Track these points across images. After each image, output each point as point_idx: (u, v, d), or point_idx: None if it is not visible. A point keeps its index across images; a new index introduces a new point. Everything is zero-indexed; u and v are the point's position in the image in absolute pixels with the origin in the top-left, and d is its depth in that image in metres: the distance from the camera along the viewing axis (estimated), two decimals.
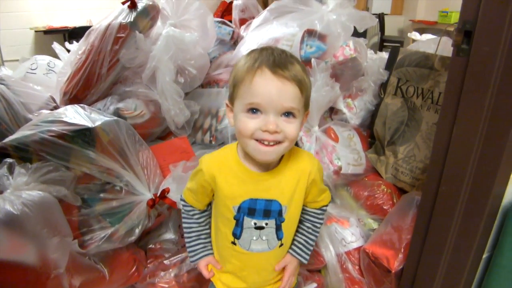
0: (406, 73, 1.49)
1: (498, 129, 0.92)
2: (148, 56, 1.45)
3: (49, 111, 1.51)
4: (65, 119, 1.14)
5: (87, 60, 1.47)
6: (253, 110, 0.75)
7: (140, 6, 1.55)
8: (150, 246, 1.29)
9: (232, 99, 0.81)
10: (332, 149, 1.47)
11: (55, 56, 2.36)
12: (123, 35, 1.48)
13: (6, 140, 1.14)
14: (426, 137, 1.43)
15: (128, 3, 1.55)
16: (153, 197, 1.20)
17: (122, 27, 1.49)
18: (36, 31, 4.42)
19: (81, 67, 1.47)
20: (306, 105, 0.81)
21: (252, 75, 0.74)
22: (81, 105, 1.26)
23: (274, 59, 0.75)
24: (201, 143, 1.54)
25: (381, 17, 5.45)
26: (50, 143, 1.10)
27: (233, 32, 1.93)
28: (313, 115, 1.45)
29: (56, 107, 1.62)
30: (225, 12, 5.04)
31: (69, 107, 1.23)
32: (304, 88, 0.77)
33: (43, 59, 2.02)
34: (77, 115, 1.17)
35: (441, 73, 1.40)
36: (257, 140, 0.76)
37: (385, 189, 1.46)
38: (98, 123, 1.13)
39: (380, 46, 5.48)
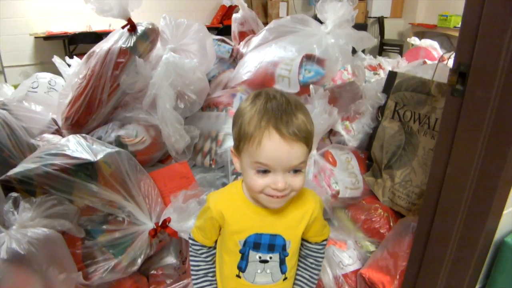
0: (403, 97, 1.51)
1: (491, 167, 0.95)
2: (148, 81, 1.48)
3: (51, 137, 1.54)
4: (67, 152, 1.17)
5: (88, 85, 1.49)
6: (262, 170, 0.77)
7: (139, 29, 1.58)
8: (152, 272, 1.32)
9: (238, 150, 0.82)
10: (330, 173, 1.50)
11: (56, 71, 2.39)
12: (123, 60, 1.50)
13: (11, 173, 1.16)
14: (422, 162, 1.45)
15: (128, 26, 1.57)
16: (155, 227, 1.22)
17: (122, 52, 1.51)
18: (35, 37, 4.42)
19: (82, 92, 1.49)
20: (310, 149, 0.83)
21: (260, 136, 0.74)
22: (83, 135, 1.28)
23: (280, 116, 0.75)
24: (201, 166, 1.57)
25: (380, 20, 5.46)
26: (53, 177, 1.13)
27: (232, 50, 1.95)
28: None
29: (58, 130, 1.65)
30: (224, 16, 5.05)
31: (71, 137, 1.25)
32: (310, 140, 0.79)
33: (44, 77, 2.04)
34: (79, 147, 1.19)
35: (438, 99, 1.43)
36: (266, 194, 0.80)
37: (382, 213, 1.48)
38: (100, 156, 1.16)
39: (380, 50, 5.49)
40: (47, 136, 1.54)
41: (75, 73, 1.70)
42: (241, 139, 0.78)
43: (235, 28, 2.48)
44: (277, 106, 0.77)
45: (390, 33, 5.68)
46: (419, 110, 1.47)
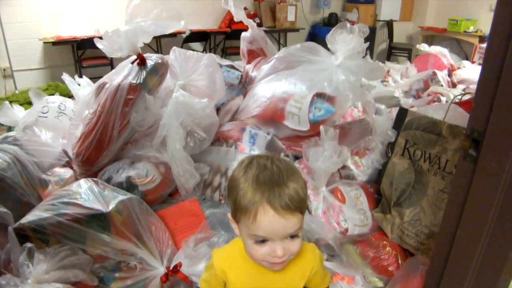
0: (414, 136, 1.49)
1: (503, 232, 0.93)
2: (158, 117, 1.48)
3: (62, 172, 1.55)
4: (79, 201, 1.17)
5: (98, 122, 1.49)
6: (260, 240, 0.80)
7: (149, 64, 1.57)
8: None
9: (235, 218, 0.84)
10: (339, 210, 1.50)
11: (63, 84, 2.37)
12: (133, 97, 1.50)
13: (24, 220, 1.18)
14: (432, 202, 1.44)
15: (137, 60, 1.57)
16: (166, 271, 1.24)
17: (132, 88, 1.51)
18: (44, 42, 4.42)
19: (93, 129, 1.49)
20: (305, 212, 0.84)
21: (255, 211, 0.76)
22: (95, 179, 1.29)
23: (273, 188, 0.77)
24: (210, 200, 1.57)
25: (389, 23, 5.37)
26: (66, 227, 1.14)
27: (241, 76, 1.93)
28: (321, 178, 1.47)
29: (68, 162, 1.66)
30: (232, 20, 5.00)
31: (83, 182, 1.26)
32: (304, 206, 0.81)
33: (54, 102, 2.04)
34: (91, 195, 1.20)
35: (449, 141, 1.41)
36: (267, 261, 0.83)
37: (391, 251, 1.48)
38: (111, 206, 1.17)
39: (388, 54, 5.42)
40: (58, 170, 1.55)
41: (85, 103, 1.70)
42: (237, 211, 0.81)
43: (243, 46, 2.46)
44: (269, 177, 0.79)
45: (399, 36, 5.59)
46: (430, 149, 1.46)
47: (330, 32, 1.69)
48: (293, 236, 0.81)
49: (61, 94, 4.29)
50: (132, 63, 1.56)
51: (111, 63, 4.53)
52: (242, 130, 1.59)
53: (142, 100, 1.52)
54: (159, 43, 4.74)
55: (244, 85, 1.97)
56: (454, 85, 3.56)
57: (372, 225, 1.56)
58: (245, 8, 5.11)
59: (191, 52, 1.64)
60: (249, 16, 5.12)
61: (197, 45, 4.95)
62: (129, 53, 1.51)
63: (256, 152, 1.54)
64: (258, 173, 0.80)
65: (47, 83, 4.42)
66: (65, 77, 2.55)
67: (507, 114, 0.86)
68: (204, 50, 4.93)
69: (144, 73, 1.55)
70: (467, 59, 5.17)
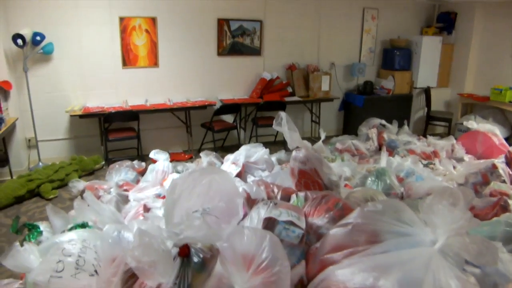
0: None
1: None
2: None
3: None
4: None
5: None
6: None
7: (195, 259, 1.11)
8: None
9: None
10: None
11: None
12: None
13: None
14: None
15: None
16: None
17: None
18: (71, 115, 4.09)
19: None
20: None
21: None
22: None
23: None
24: None
25: (427, 91, 4.89)
26: None
27: (303, 235, 1.46)
28: None
29: None
30: (264, 89, 4.63)
31: None
32: None
33: (71, 254, 1.58)
34: None
35: None
36: None
37: None
38: None
39: (426, 123, 4.91)
40: None
41: None
42: None
43: (294, 166, 2.02)
44: None
45: (437, 103, 5.08)
46: None
47: (427, 201, 1.25)
48: None
49: (84, 170, 3.93)
50: (174, 258, 1.11)
51: (138, 136, 4.18)
52: None
53: None
54: (188, 114, 4.36)
55: (306, 241, 1.50)
56: None
57: None
58: (277, 77, 4.74)
59: (248, 232, 1.19)
60: (282, 85, 4.73)
61: (228, 116, 4.56)
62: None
63: None
64: None
65: (71, 156, 4.06)
66: (87, 195, 2.17)
67: None
68: (235, 121, 4.53)
69: (189, 273, 1.09)
70: None
